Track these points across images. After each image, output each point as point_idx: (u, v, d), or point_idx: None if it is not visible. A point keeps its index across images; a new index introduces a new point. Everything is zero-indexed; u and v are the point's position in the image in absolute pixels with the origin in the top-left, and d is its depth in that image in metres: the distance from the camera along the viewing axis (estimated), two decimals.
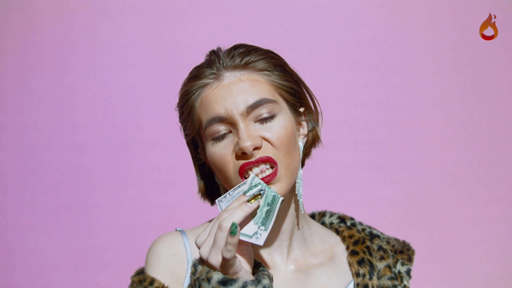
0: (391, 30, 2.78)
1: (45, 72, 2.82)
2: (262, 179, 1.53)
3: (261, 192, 1.49)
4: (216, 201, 1.53)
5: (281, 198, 1.49)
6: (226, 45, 1.65)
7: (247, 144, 1.52)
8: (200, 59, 1.66)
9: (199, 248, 1.46)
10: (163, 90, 2.75)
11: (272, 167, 1.55)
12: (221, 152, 1.56)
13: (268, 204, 1.48)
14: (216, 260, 1.43)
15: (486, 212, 2.82)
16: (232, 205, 1.47)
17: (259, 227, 1.47)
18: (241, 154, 1.54)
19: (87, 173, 2.82)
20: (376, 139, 2.81)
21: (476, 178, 2.81)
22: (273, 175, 1.54)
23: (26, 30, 2.81)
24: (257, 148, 1.54)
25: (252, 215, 1.48)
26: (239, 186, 1.52)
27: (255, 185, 1.51)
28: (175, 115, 1.68)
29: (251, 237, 1.46)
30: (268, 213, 1.47)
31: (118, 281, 2.76)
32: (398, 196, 2.82)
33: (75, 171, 2.82)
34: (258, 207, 1.47)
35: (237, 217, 1.43)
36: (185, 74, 1.66)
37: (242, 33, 2.78)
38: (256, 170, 1.54)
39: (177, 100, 1.66)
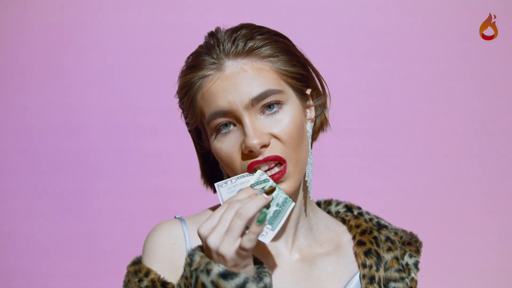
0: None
1: (38, 52, 2.77)
2: (271, 176, 1.46)
3: (273, 187, 1.43)
4: (216, 185, 1.46)
5: (293, 204, 1.43)
6: (226, 24, 1.55)
7: (254, 142, 1.44)
8: (200, 39, 1.58)
9: (204, 237, 1.37)
10: (164, 73, 2.70)
11: (280, 164, 1.47)
12: (227, 149, 1.48)
13: (277, 205, 1.42)
14: (228, 250, 1.34)
15: (492, 204, 2.79)
16: (241, 195, 1.40)
17: (265, 225, 1.40)
18: (248, 152, 1.46)
19: (85, 158, 2.79)
20: (380, 128, 2.78)
21: (482, 170, 2.79)
22: (282, 173, 1.47)
23: (19, 9, 2.76)
24: (264, 146, 1.46)
25: None
26: (243, 176, 1.46)
27: (264, 181, 1.45)
28: (176, 100, 1.59)
29: None
30: (277, 214, 1.41)
31: (115, 268, 2.72)
32: (401, 187, 2.79)
33: (72, 156, 2.79)
34: (271, 201, 1.42)
35: (256, 207, 1.36)
36: (185, 56, 1.58)
37: (246, 14, 2.73)
38: (264, 167, 1.47)
39: (176, 87, 1.57)
